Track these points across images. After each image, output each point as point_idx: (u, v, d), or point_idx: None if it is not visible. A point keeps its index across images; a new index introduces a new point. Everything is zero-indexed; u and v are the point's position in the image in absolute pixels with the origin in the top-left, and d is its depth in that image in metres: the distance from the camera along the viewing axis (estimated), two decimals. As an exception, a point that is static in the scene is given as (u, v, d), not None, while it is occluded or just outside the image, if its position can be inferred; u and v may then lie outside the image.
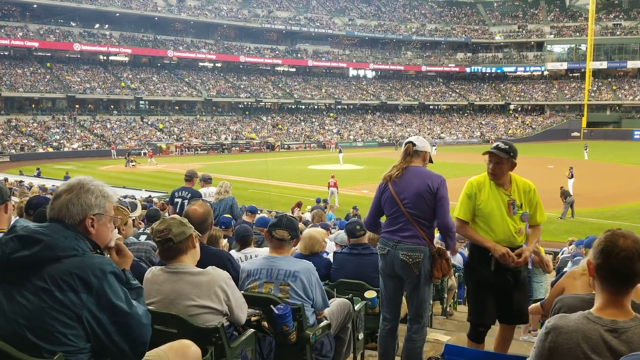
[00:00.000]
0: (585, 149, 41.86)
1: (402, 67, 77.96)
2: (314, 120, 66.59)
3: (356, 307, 4.01)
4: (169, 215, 7.26)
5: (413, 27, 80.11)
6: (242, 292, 3.12)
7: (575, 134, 66.77)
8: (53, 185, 17.87)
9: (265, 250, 4.58)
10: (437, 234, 3.98)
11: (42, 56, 57.11)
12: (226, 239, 5.43)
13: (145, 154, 44.01)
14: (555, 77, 77.21)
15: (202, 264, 2.90)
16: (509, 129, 69.45)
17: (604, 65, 72.03)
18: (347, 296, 4.05)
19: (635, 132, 63.81)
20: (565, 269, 6.32)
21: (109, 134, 50.61)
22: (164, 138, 52.84)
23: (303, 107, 68.57)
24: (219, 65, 68.53)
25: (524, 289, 3.86)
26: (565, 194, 20.00)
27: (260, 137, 57.84)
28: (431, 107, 75.62)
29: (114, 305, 1.93)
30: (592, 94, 70.81)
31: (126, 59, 62.44)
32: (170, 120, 57.12)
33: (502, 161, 3.67)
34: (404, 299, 4.00)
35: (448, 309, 7.36)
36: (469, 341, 3.92)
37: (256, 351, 3.09)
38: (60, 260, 1.91)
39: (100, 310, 1.91)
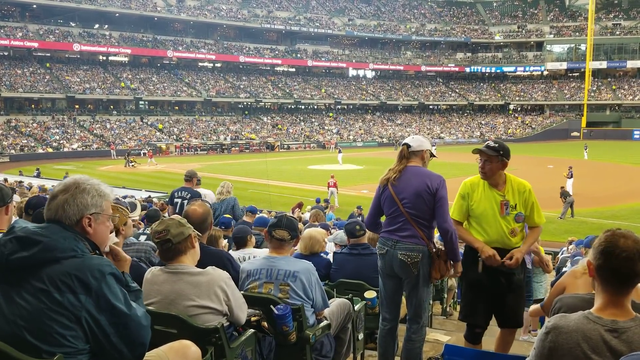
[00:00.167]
0: (585, 149, 41.87)
1: (401, 67, 77.97)
2: (313, 120, 66.59)
3: (356, 307, 4.01)
4: (169, 215, 7.26)
5: (413, 27, 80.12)
6: (242, 292, 3.12)
7: (575, 133, 66.78)
8: (52, 186, 17.85)
9: (264, 251, 4.58)
10: (437, 234, 3.98)
11: (41, 56, 57.08)
12: (226, 239, 5.42)
13: (145, 154, 44.01)
14: (555, 77, 77.22)
15: (201, 264, 2.90)
16: (509, 128, 69.48)
17: (603, 65, 72.04)
18: (346, 296, 4.05)
19: (635, 132, 63.84)
20: (564, 269, 6.32)
21: (108, 134, 50.59)
22: (163, 138, 52.83)
23: (303, 107, 68.57)
24: (218, 65, 68.52)
25: (519, 292, 3.84)
26: (565, 194, 20.01)
27: (260, 137, 57.84)
28: (431, 107, 75.61)
29: (112, 307, 1.93)
30: (592, 94, 70.82)
31: (126, 59, 62.42)
32: (170, 121, 57.11)
33: (491, 159, 3.69)
34: (403, 299, 4.00)
35: (448, 309, 7.36)
36: (465, 342, 3.93)
37: (256, 351, 3.09)
38: (59, 262, 1.91)
39: (99, 311, 1.91)
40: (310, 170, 35.74)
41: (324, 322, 3.53)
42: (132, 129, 53.11)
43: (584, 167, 33.10)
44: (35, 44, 54.27)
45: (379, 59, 77.21)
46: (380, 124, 68.93)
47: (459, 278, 4.13)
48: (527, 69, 77.13)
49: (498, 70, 78.28)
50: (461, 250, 3.95)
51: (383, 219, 3.95)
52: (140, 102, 58.90)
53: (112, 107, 56.81)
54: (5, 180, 20.05)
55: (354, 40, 78.01)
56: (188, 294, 2.75)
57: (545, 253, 6.46)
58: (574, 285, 3.27)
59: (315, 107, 70.12)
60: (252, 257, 4.66)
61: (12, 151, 43.30)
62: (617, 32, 72.70)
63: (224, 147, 52.84)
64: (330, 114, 68.75)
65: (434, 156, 3.94)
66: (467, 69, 79.03)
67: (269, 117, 64.44)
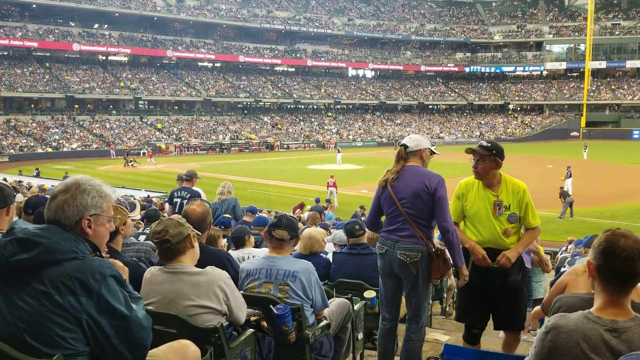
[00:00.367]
0: (585, 149, 41.88)
1: (401, 67, 77.98)
2: (313, 120, 66.60)
3: (355, 307, 4.01)
4: (168, 215, 7.26)
5: (412, 27, 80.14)
6: (241, 292, 3.12)
7: (575, 133, 66.82)
8: (52, 186, 17.85)
9: (263, 251, 4.58)
10: (437, 234, 3.98)
11: (41, 56, 57.06)
12: (225, 239, 5.42)
13: (144, 154, 44.00)
14: (554, 76, 77.27)
15: (201, 264, 2.90)
16: (508, 128, 69.52)
17: (602, 65, 72.09)
18: (346, 296, 4.05)
19: (634, 132, 63.90)
20: (563, 269, 6.32)
21: (108, 134, 50.59)
22: (163, 138, 52.82)
23: (302, 107, 68.57)
24: (218, 65, 68.50)
25: (518, 294, 3.83)
26: (564, 195, 20.02)
27: (260, 137, 57.84)
28: (430, 106, 75.63)
29: (113, 309, 1.92)
30: (591, 94, 70.86)
31: (125, 59, 62.40)
32: (170, 120, 57.10)
33: (483, 158, 3.69)
34: (403, 298, 4.00)
35: (447, 309, 7.36)
36: (464, 342, 3.93)
37: (255, 351, 3.09)
38: (59, 263, 1.90)
39: (100, 313, 1.90)
40: (309, 170, 35.73)
41: (324, 322, 3.53)
42: (132, 129, 53.10)
43: (583, 167, 33.12)
44: (35, 44, 54.24)
45: (379, 59, 77.22)
46: (380, 123, 68.93)
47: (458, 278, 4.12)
48: (526, 68, 77.17)
49: (497, 70, 78.31)
50: None
51: (383, 218, 3.95)
52: (140, 102, 58.89)
53: (111, 106, 56.79)
54: (5, 180, 20.04)
55: (354, 40, 78.02)
56: (187, 294, 2.75)
57: (545, 253, 6.46)
58: (575, 283, 3.27)
59: (315, 107, 70.12)
60: (251, 256, 4.65)
61: (12, 151, 43.28)
62: (617, 32, 72.75)
63: (223, 146, 52.85)
64: (330, 114, 68.74)
65: (435, 153, 3.94)
66: (467, 69, 79.06)
67: (268, 117, 64.45)
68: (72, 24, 58.51)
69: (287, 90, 68.29)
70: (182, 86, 61.79)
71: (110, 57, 61.18)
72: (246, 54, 67.62)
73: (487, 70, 78.63)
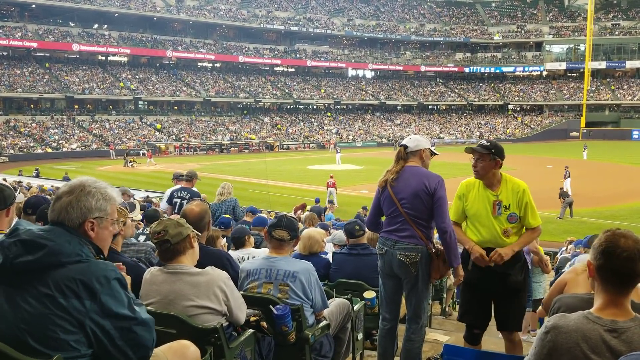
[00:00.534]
0: (584, 149, 41.90)
1: (401, 67, 77.98)
2: (313, 120, 66.60)
3: (355, 308, 4.01)
4: (168, 215, 7.25)
5: (412, 27, 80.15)
6: (241, 292, 3.12)
7: (574, 133, 66.84)
8: (52, 186, 17.84)
9: (263, 251, 4.58)
10: (437, 234, 3.98)
11: (40, 56, 57.05)
12: (225, 239, 5.42)
13: (144, 154, 44.00)
14: (554, 77, 77.30)
15: (200, 264, 2.89)
16: (508, 128, 69.54)
17: (602, 65, 72.11)
18: (346, 296, 4.05)
19: (634, 132, 63.93)
20: (563, 270, 6.32)
21: (107, 134, 50.57)
22: (162, 138, 52.81)
23: (302, 107, 68.57)
24: (217, 65, 68.50)
25: (518, 295, 3.82)
26: (563, 195, 20.02)
27: (259, 137, 57.83)
28: (430, 107, 75.64)
29: (117, 311, 1.93)
30: (591, 94, 70.88)
31: (125, 59, 62.39)
32: (169, 121, 57.09)
33: (483, 157, 3.69)
34: (403, 298, 4.00)
35: (447, 309, 7.36)
36: (465, 343, 3.93)
37: (255, 351, 3.09)
38: (64, 266, 1.89)
39: (104, 316, 1.90)
40: (309, 170, 35.74)
41: (323, 322, 3.53)
42: (132, 129, 53.08)
43: (583, 167, 33.14)
44: (35, 44, 54.22)
45: (378, 59, 77.23)
46: (380, 124, 68.94)
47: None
48: (526, 69, 77.18)
49: (497, 71, 78.33)
50: (460, 251, 3.94)
51: (384, 218, 3.95)
52: (140, 102, 58.87)
53: (111, 107, 56.77)
54: (5, 180, 20.02)
55: (353, 41, 78.02)
56: (187, 294, 2.75)
57: (544, 253, 6.46)
58: (575, 281, 3.26)
59: (315, 107, 70.12)
60: (251, 257, 4.65)
61: (11, 151, 43.26)
62: (616, 32, 72.77)
63: (223, 147, 52.82)
64: (329, 114, 68.74)
65: (435, 154, 3.94)
66: (467, 69, 79.07)
67: (268, 117, 64.44)
68: (72, 24, 58.49)
69: (286, 91, 68.28)
70: (182, 86, 61.78)
71: (109, 58, 61.17)
72: (246, 54, 67.62)
73: (487, 70, 78.65)
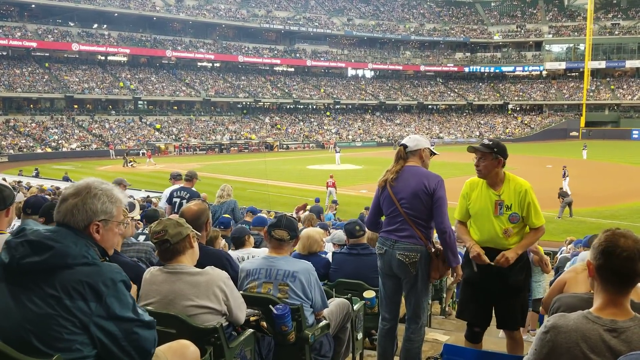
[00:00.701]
0: (584, 149, 41.90)
1: (400, 67, 77.98)
2: (312, 120, 66.59)
3: (355, 307, 4.01)
4: (167, 215, 7.25)
5: (412, 26, 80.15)
6: (241, 292, 3.12)
7: (574, 133, 66.86)
8: (52, 186, 17.84)
9: (263, 251, 4.57)
10: (436, 234, 3.98)
11: (40, 56, 57.03)
12: (224, 240, 5.42)
13: (144, 154, 43.99)
14: (554, 76, 77.31)
15: (200, 264, 2.89)
16: (507, 128, 69.55)
17: (602, 64, 72.13)
18: (345, 296, 4.05)
19: (634, 132, 63.95)
20: (563, 269, 6.32)
21: (107, 134, 50.57)
22: (162, 138, 52.80)
23: (302, 107, 68.57)
24: (217, 65, 68.49)
25: (519, 294, 3.82)
26: (563, 195, 20.02)
27: (259, 137, 57.83)
28: (430, 106, 75.64)
29: (122, 314, 1.94)
30: (591, 94, 70.89)
31: (124, 59, 62.38)
32: (169, 120, 57.08)
33: (485, 156, 3.68)
34: (402, 298, 4.00)
35: (447, 309, 7.36)
36: (465, 341, 3.93)
37: (255, 351, 3.09)
38: (71, 268, 1.90)
39: (109, 318, 1.91)
40: (309, 170, 35.73)
41: (323, 322, 3.53)
42: (131, 129, 53.08)
43: (582, 167, 33.14)
44: (34, 44, 54.21)
45: (378, 59, 77.22)
46: (379, 123, 68.94)
47: None
48: (525, 68, 77.20)
49: (497, 70, 78.34)
50: (462, 251, 3.95)
51: (383, 218, 3.95)
52: (139, 102, 58.86)
53: (110, 107, 56.77)
54: (4, 180, 20.01)
55: (353, 40, 78.02)
56: (187, 294, 2.75)
57: (544, 253, 6.45)
58: (575, 280, 3.26)
59: (314, 107, 70.11)
60: (251, 256, 4.66)
61: (11, 151, 43.26)
62: (616, 32, 72.78)
63: (222, 147, 52.82)
64: (328, 114, 68.73)
65: (435, 154, 3.94)
66: (466, 69, 79.09)
67: (267, 117, 64.43)
68: (71, 24, 58.48)
69: (286, 90, 68.28)
70: (182, 86, 61.77)
71: (109, 57, 61.15)
72: (245, 54, 67.61)
73: (487, 70, 78.67)
